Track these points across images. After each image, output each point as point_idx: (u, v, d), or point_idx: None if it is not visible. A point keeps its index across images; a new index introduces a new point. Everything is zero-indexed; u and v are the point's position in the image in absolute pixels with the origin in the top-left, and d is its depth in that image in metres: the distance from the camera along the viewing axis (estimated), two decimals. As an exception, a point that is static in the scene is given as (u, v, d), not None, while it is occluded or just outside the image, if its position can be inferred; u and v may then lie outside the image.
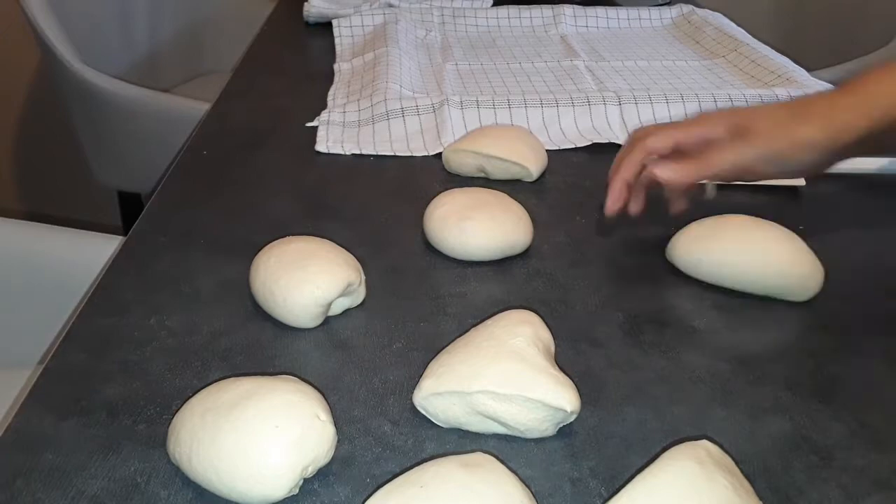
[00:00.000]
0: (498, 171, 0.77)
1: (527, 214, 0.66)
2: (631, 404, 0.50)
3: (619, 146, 0.84)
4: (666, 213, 0.65)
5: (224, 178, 0.78)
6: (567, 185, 0.78)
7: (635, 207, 0.64)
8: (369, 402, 0.49)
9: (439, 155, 0.82)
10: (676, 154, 0.62)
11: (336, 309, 0.57)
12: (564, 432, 0.47)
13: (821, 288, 0.59)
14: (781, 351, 0.55)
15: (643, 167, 0.62)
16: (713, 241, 0.61)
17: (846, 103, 0.59)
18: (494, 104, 0.89)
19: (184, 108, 1.43)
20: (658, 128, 0.64)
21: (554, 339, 0.51)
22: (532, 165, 0.76)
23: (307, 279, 0.54)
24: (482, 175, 0.77)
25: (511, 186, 0.74)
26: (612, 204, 0.63)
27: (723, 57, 1.10)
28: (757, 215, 0.62)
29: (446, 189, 0.68)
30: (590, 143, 0.85)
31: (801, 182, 0.75)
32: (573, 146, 0.85)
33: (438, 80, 1.01)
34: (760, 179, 0.63)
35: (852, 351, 0.55)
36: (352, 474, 0.44)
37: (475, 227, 0.63)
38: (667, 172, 0.60)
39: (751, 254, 0.60)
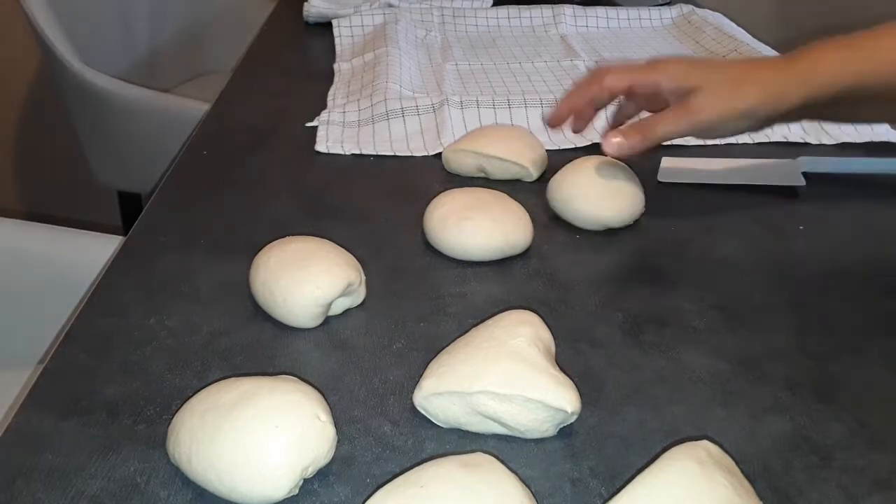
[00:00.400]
0: (498, 171, 0.77)
1: (527, 214, 0.66)
2: (631, 404, 0.50)
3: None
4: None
5: (224, 178, 0.78)
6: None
7: (576, 129, 0.73)
8: (369, 402, 0.49)
9: (439, 155, 0.82)
10: (629, 95, 0.67)
11: (336, 309, 0.57)
12: (564, 432, 0.47)
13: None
14: (781, 351, 0.55)
15: (591, 100, 0.68)
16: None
17: (788, 71, 0.61)
18: (494, 104, 0.89)
19: (184, 108, 1.43)
20: (618, 68, 0.67)
21: (554, 339, 0.51)
22: (532, 165, 0.76)
23: (307, 279, 0.54)
24: (482, 175, 0.77)
25: (511, 186, 0.74)
26: (553, 120, 0.70)
27: (723, 57, 1.10)
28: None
29: (446, 189, 0.68)
30: (590, 143, 0.85)
31: (801, 182, 0.75)
32: (573, 146, 0.85)
33: (438, 80, 1.01)
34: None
35: (852, 351, 0.55)
36: (352, 474, 0.44)
37: (475, 227, 0.63)
38: (612, 147, 0.64)
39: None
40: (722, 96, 0.61)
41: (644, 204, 0.69)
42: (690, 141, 0.82)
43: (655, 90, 0.65)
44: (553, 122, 0.71)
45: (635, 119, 0.69)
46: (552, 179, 0.71)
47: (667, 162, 0.79)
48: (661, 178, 0.78)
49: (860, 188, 0.77)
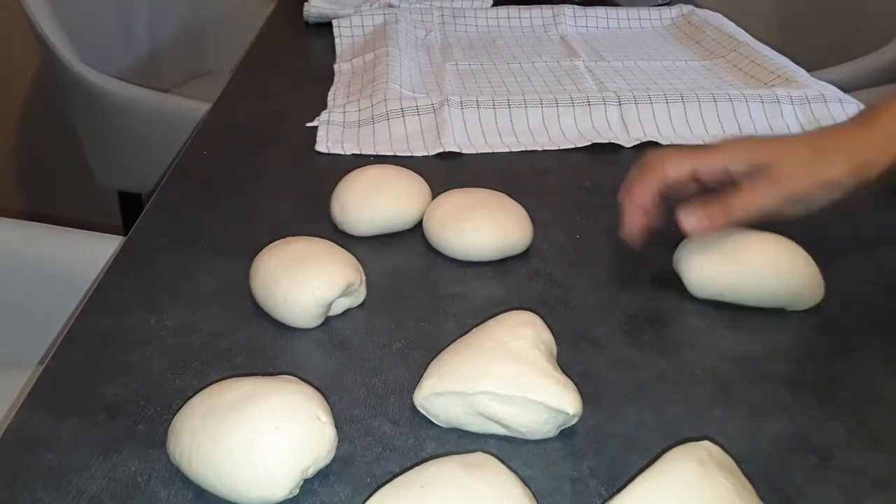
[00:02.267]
0: None
1: (527, 214, 0.66)
2: (631, 404, 0.50)
3: (619, 146, 0.85)
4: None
5: (224, 178, 0.78)
6: (567, 185, 0.78)
7: (652, 226, 0.61)
8: (369, 402, 0.49)
9: (439, 155, 0.82)
10: (692, 184, 0.60)
11: (336, 309, 0.57)
12: (565, 432, 0.47)
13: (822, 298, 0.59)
14: (781, 351, 0.55)
15: (658, 193, 0.60)
16: (725, 262, 0.59)
17: (866, 139, 0.58)
18: (494, 104, 0.89)
19: (184, 108, 1.43)
20: (675, 153, 0.61)
21: (554, 339, 0.51)
22: None
23: (307, 280, 0.54)
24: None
25: (511, 186, 0.74)
26: (630, 227, 0.60)
27: (723, 57, 1.10)
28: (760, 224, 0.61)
29: (447, 189, 0.68)
30: (590, 143, 0.85)
31: None
32: (573, 146, 0.85)
33: (438, 80, 1.01)
34: (784, 219, 0.60)
35: (852, 351, 0.55)
36: (352, 474, 0.44)
37: (475, 228, 0.63)
38: (692, 222, 0.57)
39: (764, 277, 0.59)
40: (807, 166, 0.57)
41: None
42: None
43: (723, 174, 0.59)
44: (631, 231, 0.60)
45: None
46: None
47: None
48: None
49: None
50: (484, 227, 0.63)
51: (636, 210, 0.60)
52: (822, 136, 0.60)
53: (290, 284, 0.54)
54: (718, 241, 0.59)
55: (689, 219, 0.57)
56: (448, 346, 0.51)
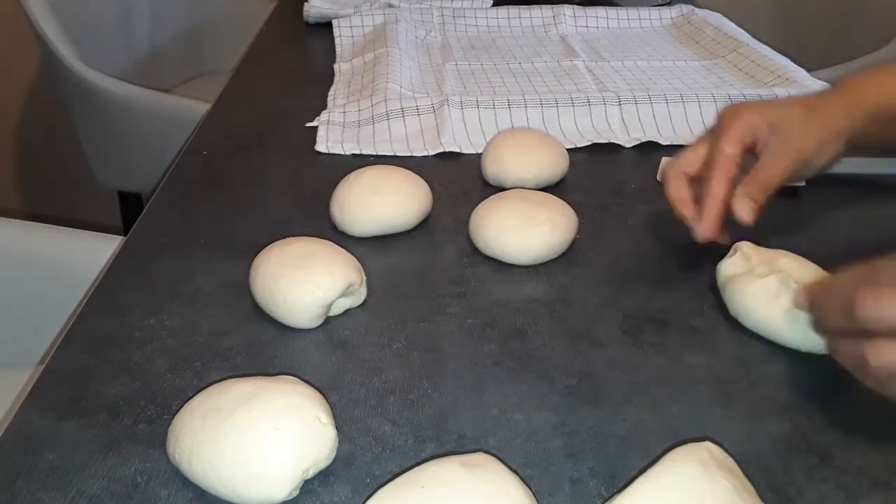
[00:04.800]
0: None
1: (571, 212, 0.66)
2: (631, 404, 0.50)
3: (619, 146, 0.85)
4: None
5: (224, 178, 0.78)
6: (567, 185, 0.78)
7: (725, 235, 0.60)
8: (369, 402, 0.49)
9: (439, 154, 0.82)
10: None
11: (337, 309, 0.57)
12: (564, 432, 0.47)
13: None
14: (781, 351, 0.55)
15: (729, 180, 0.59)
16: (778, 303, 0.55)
17: (835, 105, 0.61)
18: (494, 104, 0.89)
19: (184, 108, 1.43)
20: (720, 136, 0.60)
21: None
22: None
23: (308, 280, 0.54)
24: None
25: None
26: (709, 232, 0.58)
27: (723, 57, 1.10)
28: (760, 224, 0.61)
29: (447, 190, 0.68)
30: (590, 143, 0.85)
31: (801, 183, 0.75)
32: (573, 146, 0.85)
33: (438, 81, 1.01)
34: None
35: (852, 351, 0.55)
36: (352, 474, 0.44)
37: (543, 231, 0.63)
38: (746, 212, 0.57)
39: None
40: (810, 123, 0.60)
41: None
42: None
43: (760, 131, 0.60)
44: (713, 233, 0.58)
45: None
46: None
47: (665, 162, 0.79)
48: (660, 177, 0.78)
49: (858, 189, 0.77)
50: (548, 229, 0.63)
51: (717, 203, 0.58)
52: (807, 98, 0.63)
53: (291, 285, 0.54)
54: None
55: (741, 208, 0.57)
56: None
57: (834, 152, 0.61)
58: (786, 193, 0.75)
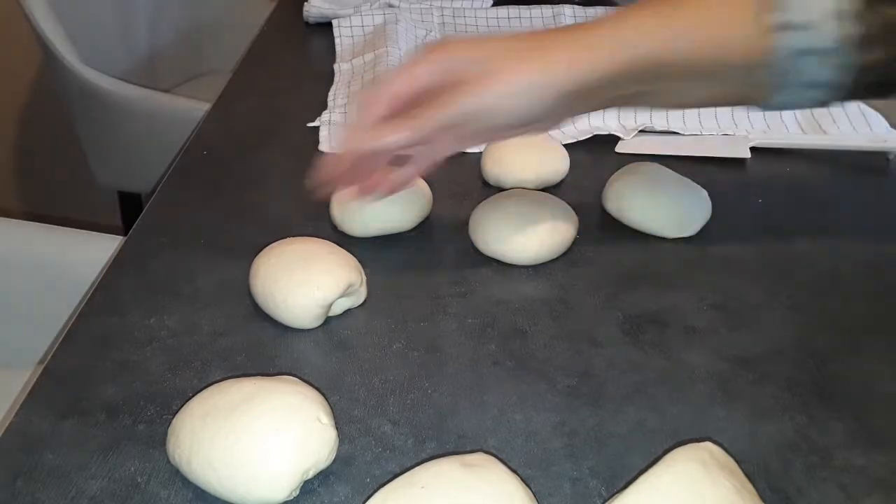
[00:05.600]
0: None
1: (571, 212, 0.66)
2: (631, 404, 0.50)
3: (619, 138, 0.85)
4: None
5: (224, 178, 0.78)
6: (567, 185, 0.78)
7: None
8: (369, 402, 0.49)
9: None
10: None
11: (337, 309, 0.57)
12: (564, 432, 0.47)
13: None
14: (781, 351, 0.55)
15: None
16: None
17: (593, 38, 0.48)
18: (494, 104, 0.89)
19: (184, 108, 1.43)
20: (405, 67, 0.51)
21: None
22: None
23: (308, 280, 0.54)
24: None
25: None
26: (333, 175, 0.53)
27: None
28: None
29: (447, 190, 0.68)
30: (590, 135, 0.85)
31: (746, 154, 0.78)
32: (574, 140, 0.85)
33: (438, 80, 1.01)
34: (477, 142, 0.52)
35: (852, 351, 0.55)
36: (352, 474, 0.44)
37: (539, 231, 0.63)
38: (351, 138, 0.50)
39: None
40: (495, 70, 0.47)
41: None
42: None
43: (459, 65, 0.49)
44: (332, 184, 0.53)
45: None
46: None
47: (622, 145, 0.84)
48: (618, 149, 0.83)
49: (801, 159, 0.80)
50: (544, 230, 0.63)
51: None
52: (547, 34, 0.49)
53: (291, 285, 0.54)
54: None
55: (351, 136, 0.49)
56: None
57: (533, 109, 0.48)
58: (732, 166, 0.78)
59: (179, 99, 1.52)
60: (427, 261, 0.65)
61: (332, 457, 0.43)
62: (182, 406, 0.45)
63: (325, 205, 0.68)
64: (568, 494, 0.43)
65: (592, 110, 0.52)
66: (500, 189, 0.72)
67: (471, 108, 0.48)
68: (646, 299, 0.60)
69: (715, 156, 0.80)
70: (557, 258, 0.65)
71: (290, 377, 0.46)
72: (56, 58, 1.44)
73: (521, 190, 0.69)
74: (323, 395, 0.45)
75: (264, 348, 0.54)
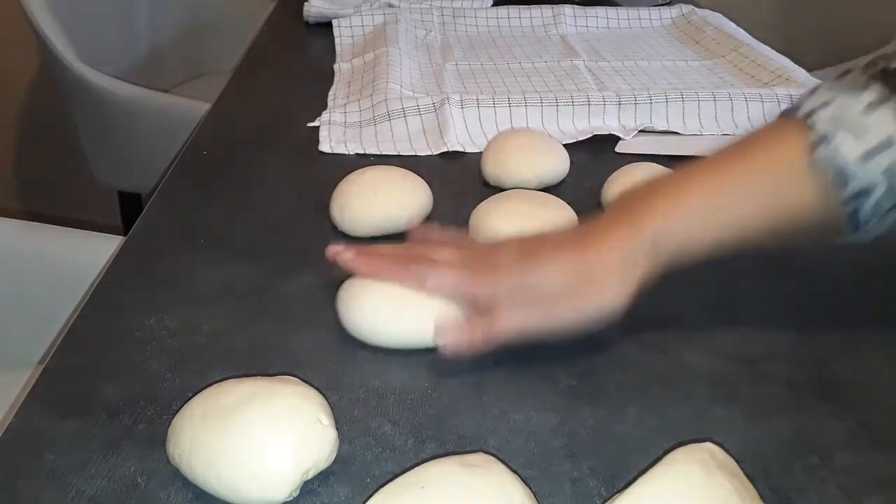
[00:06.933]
0: None
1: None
2: (631, 404, 0.50)
3: (619, 138, 0.85)
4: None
5: (224, 178, 0.78)
6: (567, 185, 0.78)
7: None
8: (369, 402, 0.49)
9: (440, 154, 0.82)
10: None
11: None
12: (565, 432, 0.47)
13: None
14: (781, 351, 0.55)
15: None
16: None
17: (634, 255, 0.51)
18: (495, 104, 0.89)
19: (184, 108, 1.43)
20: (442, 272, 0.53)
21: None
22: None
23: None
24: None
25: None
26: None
27: (723, 57, 1.10)
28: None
29: (447, 190, 0.68)
30: (590, 134, 0.86)
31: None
32: (574, 140, 0.85)
33: (438, 80, 1.01)
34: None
35: (852, 351, 0.55)
36: (352, 474, 0.44)
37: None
38: (448, 340, 0.50)
39: None
40: (565, 295, 0.50)
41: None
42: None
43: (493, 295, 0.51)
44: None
45: None
46: None
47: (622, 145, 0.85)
48: (618, 149, 0.83)
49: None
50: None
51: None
52: (587, 260, 0.51)
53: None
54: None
55: (443, 337, 0.50)
56: None
57: (611, 313, 0.50)
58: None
59: (179, 99, 1.52)
60: (427, 261, 0.65)
61: (333, 457, 0.43)
62: (182, 406, 0.45)
63: (325, 205, 0.68)
64: (568, 494, 0.43)
65: None
66: (500, 189, 0.72)
67: (547, 323, 0.51)
68: (646, 299, 0.60)
69: (678, 154, 0.80)
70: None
71: (290, 377, 0.46)
72: (56, 58, 1.44)
73: (520, 191, 0.69)
74: (323, 395, 0.45)
75: (264, 348, 0.54)
